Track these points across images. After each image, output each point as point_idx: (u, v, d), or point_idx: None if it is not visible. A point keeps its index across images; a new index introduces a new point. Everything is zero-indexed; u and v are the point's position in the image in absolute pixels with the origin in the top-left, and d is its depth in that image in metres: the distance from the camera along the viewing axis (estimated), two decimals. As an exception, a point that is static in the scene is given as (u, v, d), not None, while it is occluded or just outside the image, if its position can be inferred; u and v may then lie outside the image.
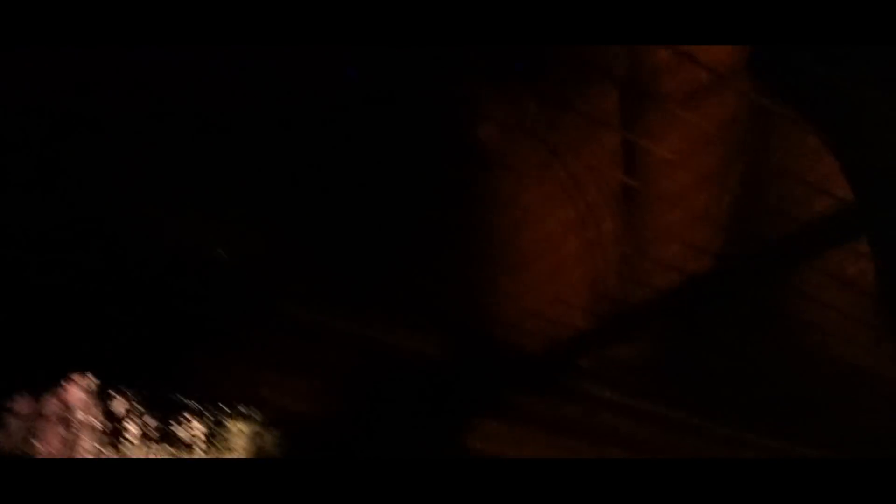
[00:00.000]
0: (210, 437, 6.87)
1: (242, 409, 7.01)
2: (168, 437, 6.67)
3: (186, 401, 6.75)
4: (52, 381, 6.08)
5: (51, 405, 6.24)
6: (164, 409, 6.64)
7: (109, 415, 6.34)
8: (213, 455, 6.88)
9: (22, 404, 5.90)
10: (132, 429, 6.53)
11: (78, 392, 6.26)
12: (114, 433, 6.39)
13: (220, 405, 6.89)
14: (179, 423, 6.75)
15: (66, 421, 6.24)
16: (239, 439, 7.19)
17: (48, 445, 6.04)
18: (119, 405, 6.44)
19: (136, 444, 6.51)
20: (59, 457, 5.89)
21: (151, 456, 6.64)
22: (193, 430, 6.86)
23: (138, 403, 6.51)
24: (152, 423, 6.62)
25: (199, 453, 6.83)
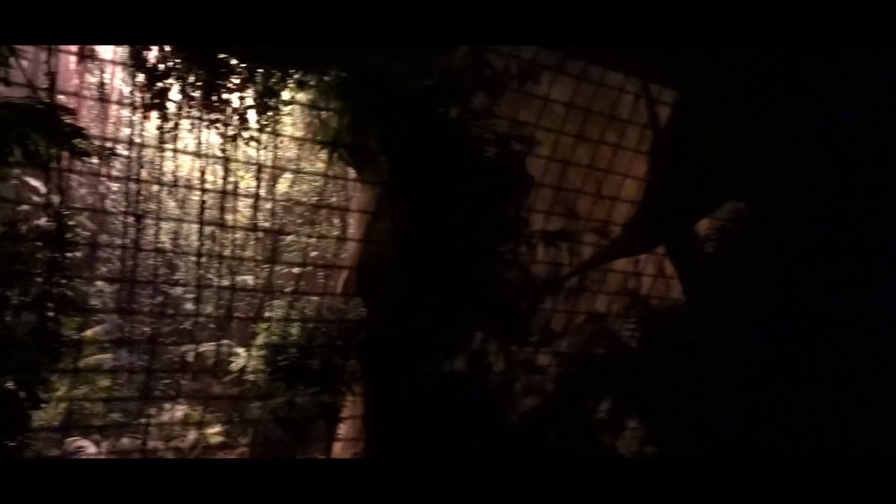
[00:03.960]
0: (261, 105, 5.67)
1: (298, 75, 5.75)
2: (213, 104, 5.42)
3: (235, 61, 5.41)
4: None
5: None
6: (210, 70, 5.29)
7: (151, 76, 4.95)
8: (264, 128, 5.75)
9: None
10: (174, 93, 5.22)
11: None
12: (156, 96, 5.07)
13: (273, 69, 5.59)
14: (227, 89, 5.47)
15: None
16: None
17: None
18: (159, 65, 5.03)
19: (178, 112, 5.25)
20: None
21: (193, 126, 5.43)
22: (243, 96, 5.61)
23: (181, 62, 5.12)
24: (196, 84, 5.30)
25: (250, 125, 5.67)
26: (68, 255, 4.43)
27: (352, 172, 6.85)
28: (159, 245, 5.57)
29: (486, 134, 6.80)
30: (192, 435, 5.63)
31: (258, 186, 5.87)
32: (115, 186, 5.79)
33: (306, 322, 6.13)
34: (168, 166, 5.31)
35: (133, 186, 5.15)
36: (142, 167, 4.98)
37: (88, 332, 5.22)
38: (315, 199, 6.43)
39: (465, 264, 6.61)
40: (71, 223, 4.35)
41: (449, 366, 6.74)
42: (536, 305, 7.03)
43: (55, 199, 4.33)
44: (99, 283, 5.52)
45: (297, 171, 6.51)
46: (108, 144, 4.76)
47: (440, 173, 6.44)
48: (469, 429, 6.65)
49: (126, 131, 5.24)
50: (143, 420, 5.41)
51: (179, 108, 5.19)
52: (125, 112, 5.22)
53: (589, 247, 7.30)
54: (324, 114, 6.11)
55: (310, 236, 6.46)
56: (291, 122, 6.09)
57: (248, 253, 6.09)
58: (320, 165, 6.43)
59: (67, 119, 4.03)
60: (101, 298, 5.59)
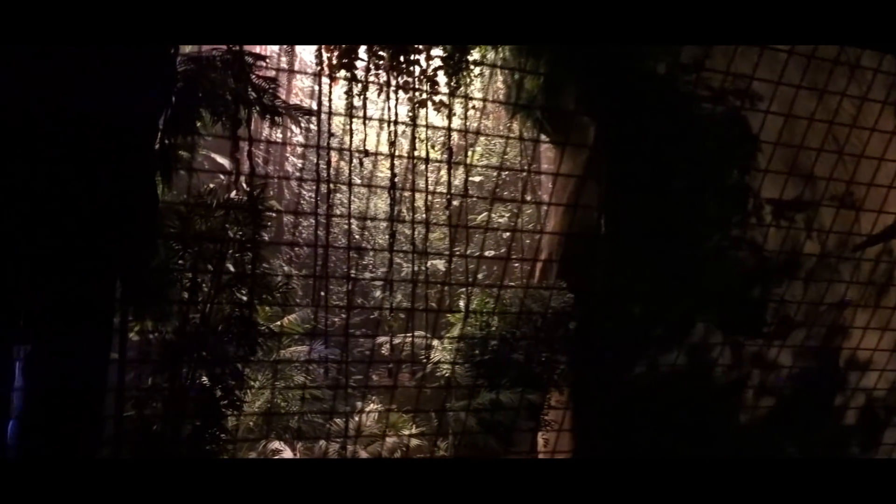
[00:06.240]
0: (450, 66, 5.02)
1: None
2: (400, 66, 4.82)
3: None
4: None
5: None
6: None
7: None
8: (454, 92, 5.10)
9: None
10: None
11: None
12: (344, 55, 4.52)
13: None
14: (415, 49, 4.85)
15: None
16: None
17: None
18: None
19: (366, 74, 4.69)
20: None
21: (381, 91, 4.86)
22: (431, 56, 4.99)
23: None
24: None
25: (439, 88, 5.04)
26: (259, 234, 3.97)
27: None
28: (346, 227, 5.04)
29: (699, 90, 5.80)
30: (390, 439, 5.06)
31: (449, 159, 5.21)
32: (299, 163, 5.34)
33: (506, 313, 5.41)
34: (356, 137, 4.77)
35: (322, 164, 4.64)
36: (330, 136, 4.45)
37: (283, 321, 4.81)
38: (506, 175, 5.70)
39: (684, 242, 5.64)
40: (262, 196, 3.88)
41: (666, 360, 5.79)
42: (770, 290, 5.90)
43: (244, 170, 3.87)
44: (286, 268, 5.08)
45: (488, 147, 5.80)
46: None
47: (650, 135, 5.52)
48: (690, 430, 5.70)
49: (311, 104, 4.75)
50: (339, 422, 4.90)
51: (367, 71, 4.64)
52: (309, 82, 4.71)
53: (829, 219, 6.08)
54: (518, 74, 5.39)
55: (512, 218, 5.74)
56: (482, 86, 5.40)
57: (438, 235, 5.45)
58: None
59: (258, 66, 3.54)
60: (289, 285, 5.17)
